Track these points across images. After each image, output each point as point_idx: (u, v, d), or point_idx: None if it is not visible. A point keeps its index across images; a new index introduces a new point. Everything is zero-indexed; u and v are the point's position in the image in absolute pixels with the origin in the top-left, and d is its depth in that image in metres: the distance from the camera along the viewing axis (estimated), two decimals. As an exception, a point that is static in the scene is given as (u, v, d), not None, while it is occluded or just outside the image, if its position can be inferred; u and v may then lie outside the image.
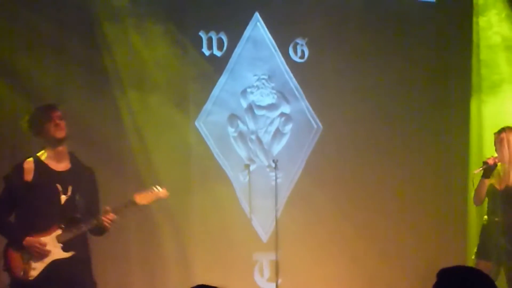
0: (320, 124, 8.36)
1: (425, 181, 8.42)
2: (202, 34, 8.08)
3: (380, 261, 8.25)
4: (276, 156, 8.16)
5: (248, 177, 8.21)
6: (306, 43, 8.34)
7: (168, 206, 7.78)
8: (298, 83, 8.34)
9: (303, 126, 8.38)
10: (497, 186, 6.96)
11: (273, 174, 7.94)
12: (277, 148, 8.32)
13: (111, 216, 6.08)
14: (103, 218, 6.07)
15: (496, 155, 7.12)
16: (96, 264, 6.40)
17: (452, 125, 8.64)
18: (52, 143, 6.19)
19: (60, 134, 6.16)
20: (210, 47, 8.12)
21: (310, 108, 8.36)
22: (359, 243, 8.17)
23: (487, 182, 7.01)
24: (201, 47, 8.10)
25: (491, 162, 6.95)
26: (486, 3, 8.57)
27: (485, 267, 6.77)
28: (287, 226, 7.92)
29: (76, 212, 6.18)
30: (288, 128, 8.33)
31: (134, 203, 6.24)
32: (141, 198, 6.27)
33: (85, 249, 6.27)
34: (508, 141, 6.97)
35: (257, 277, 8.23)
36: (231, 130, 8.22)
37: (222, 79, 8.15)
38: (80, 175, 6.29)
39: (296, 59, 8.36)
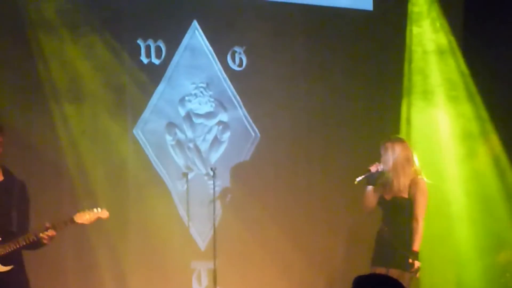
0: (258, 132, 8.45)
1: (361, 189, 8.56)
2: (140, 42, 8.12)
3: (314, 269, 8.41)
4: (214, 164, 8.24)
5: (186, 185, 8.24)
6: (244, 52, 8.44)
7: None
8: (236, 91, 8.44)
9: (241, 135, 8.50)
10: (386, 197, 7.13)
11: (211, 182, 8.00)
12: (215, 156, 8.41)
13: (51, 232, 6.08)
14: (42, 234, 6.08)
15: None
16: (29, 275, 6.42)
17: (383, 131, 8.79)
18: None
19: None
20: (148, 55, 8.18)
21: (248, 117, 8.46)
22: (295, 251, 8.26)
23: (372, 189, 7.14)
24: (139, 55, 8.14)
25: (373, 169, 7.08)
26: (421, 12, 8.80)
27: (380, 272, 6.92)
28: (225, 234, 7.99)
29: (11, 226, 6.18)
30: (226, 136, 8.43)
31: (73, 222, 6.27)
32: (81, 218, 6.31)
33: (20, 263, 6.28)
34: (393, 150, 7.10)
35: (195, 286, 8.31)
36: (169, 138, 8.27)
37: (160, 87, 8.21)
38: (12, 188, 6.30)
39: (234, 67, 8.45)
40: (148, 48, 8.16)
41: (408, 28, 8.83)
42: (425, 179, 7.08)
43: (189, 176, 8.31)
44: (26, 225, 6.30)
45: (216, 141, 8.41)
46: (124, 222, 7.96)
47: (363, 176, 7.06)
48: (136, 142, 8.14)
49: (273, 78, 8.42)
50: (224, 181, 8.33)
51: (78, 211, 6.35)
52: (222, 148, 8.45)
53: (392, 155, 7.07)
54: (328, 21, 8.62)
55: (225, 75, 8.43)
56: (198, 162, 8.34)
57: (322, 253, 8.47)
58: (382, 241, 7.11)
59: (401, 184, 7.01)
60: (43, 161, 7.52)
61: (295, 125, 8.47)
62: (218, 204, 8.12)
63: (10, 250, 6.11)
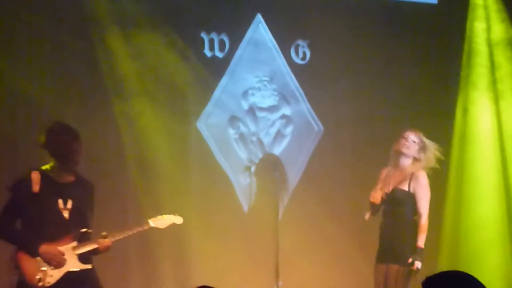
0: (321, 126, 8.54)
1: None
2: (204, 35, 8.28)
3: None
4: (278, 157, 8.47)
5: (249, 179, 8.37)
6: (308, 45, 8.57)
7: (169, 207, 7.81)
8: (300, 84, 8.59)
9: (304, 128, 8.63)
10: (386, 190, 7.20)
11: (274, 176, 8.17)
12: (278, 150, 8.56)
13: (108, 242, 6.49)
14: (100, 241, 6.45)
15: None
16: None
17: (443, 124, 8.89)
18: (66, 164, 6.48)
19: (78, 161, 6.48)
20: (212, 48, 8.35)
21: (312, 110, 8.56)
22: (358, 248, 8.32)
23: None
24: (203, 48, 8.30)
25: (374, 200, 7.14)
26: (483, 4, 8.86)
27: (381, 270, 7.05)
28: (287, 227, 8.07)
29: (87, 225, 6.47)
30: (289, 130, 8.57)
31: (149, 225, 6.65)
32: (157, 222, 6.68)
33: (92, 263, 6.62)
34: (405, 140, 7.16)
35: (257, 279, 8.51)
36: (232, 131, 8.43)
37: (223, 81, 8.38)
38: (82, 188, 6.56)
39: (298, 60, 8.59)
40: (211, 41, 8.31)
41: (469, 20, 8.90)
42: (425, 174, 7.15)
43: (252, 170, 8.38)
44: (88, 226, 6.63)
45: (279, 134, 8.53)
46: (187, 212, 7.80)
47: (369, 213, 7.17)
48: (199, 135, 8.25)
49: (336, 71, 8.53)
50: (287, 175, 8.40)
51: (154, 216, 6.70)
52: (285, 142, 8.58)
53: (403, 145, 7.13)
54: (392, 15, 8.70)
55: (288, 69, 8.58)
56: (261, 155, 8.47)
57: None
58: (383, 236, 7.17)
59: (402, 175, 7.08)
60: (107, 154, 7.70)
61: (358, 119, 8.56)
62: (283, 204, 8.25)
63: (86, 250, 6.37)
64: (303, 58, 8.63)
